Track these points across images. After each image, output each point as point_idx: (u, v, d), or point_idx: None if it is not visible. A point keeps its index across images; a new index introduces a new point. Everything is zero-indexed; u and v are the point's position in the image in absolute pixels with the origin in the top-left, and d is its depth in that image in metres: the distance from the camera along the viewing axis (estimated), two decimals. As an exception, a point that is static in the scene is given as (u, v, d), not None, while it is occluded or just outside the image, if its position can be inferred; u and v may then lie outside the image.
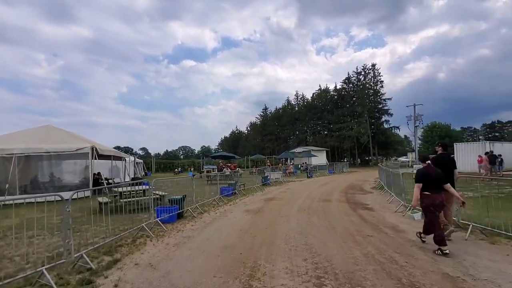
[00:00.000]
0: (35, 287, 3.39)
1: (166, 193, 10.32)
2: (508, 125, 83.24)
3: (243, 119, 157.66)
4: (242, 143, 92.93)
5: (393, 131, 61.75)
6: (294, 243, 5.09)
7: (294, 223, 6.69)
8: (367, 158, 54.35)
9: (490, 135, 79.31)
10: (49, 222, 5.69)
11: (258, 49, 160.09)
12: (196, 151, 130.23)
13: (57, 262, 3.78)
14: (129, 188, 9.41)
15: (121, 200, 8.09)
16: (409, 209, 7.27)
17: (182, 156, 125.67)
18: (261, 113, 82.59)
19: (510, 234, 4.76)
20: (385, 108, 51.79)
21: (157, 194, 9.37)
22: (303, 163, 34.78)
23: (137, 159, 29.53)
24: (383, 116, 52.80)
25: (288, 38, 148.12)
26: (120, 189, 9.38)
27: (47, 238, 5.44)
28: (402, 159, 53.43)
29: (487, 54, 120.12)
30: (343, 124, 51.72)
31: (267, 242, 5.18)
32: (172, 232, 6.07)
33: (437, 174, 4.57)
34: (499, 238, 4.90)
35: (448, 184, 4.64)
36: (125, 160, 19.68)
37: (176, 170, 37.80)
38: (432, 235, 4.46)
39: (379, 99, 51.60)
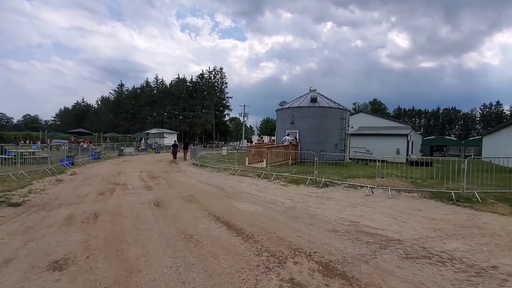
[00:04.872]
0: (42, 173, 10.40)
1: (51, 155, 15.99)
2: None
3: (88, 86, 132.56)
4: (90, 118, 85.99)
5: (244, 120, 79.03)
6: (136, 169, 13.79)
7: (137, 167, 15.29)
8: (210, 142, 67.95)
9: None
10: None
11: (109, 4, 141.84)
12: (15, 121, 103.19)
13: (44, 168, 10.77)
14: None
15: (25, 157, 13.81)
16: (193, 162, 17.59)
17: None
18: (116, 89, 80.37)
19: (211, 165, 15.45)
20: (227, 104, 66.85)
21: (44, 155, 15.27)
22: (155, 142, 42.27)
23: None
24: (225, 110, 67.71)
25: (148, 2, 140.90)
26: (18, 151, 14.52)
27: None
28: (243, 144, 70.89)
29: (314, 68, 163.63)
30: (194, 113, 62.39)
31: (125, 171, 13.62)
32: (76, 168, 13.26)
33: (176, 146, 15.32)
34: (211, 168, 15.58)
35: (180, 147, 15.55)
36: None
37: (22, 142, 35.46)
38: (177, 159, 14.68)
39: (223, 96, 65.80)
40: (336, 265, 3.34)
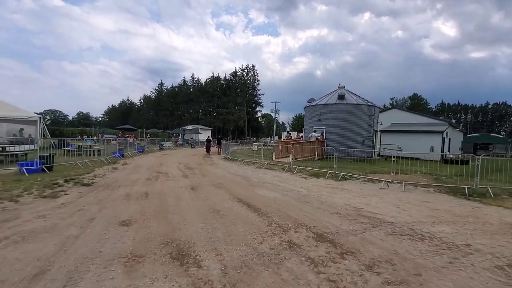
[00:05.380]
0: (100, 163, 12.45)
1: (103, 148, 18.52)
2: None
3: (131, 86, 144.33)
4: (134, 116, 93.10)
5: (275, 117, 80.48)
6: (175, 161, 15.51)
7: (176, 159, 17.08)
8: (242, 138, 69.91)
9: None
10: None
11: (150, 7, 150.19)
12: (70, 118, 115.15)
13: (102, 159, 12.85)
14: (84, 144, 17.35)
15: (85, 150, 16.28)
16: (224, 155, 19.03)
17: (49, 122, 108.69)
18: (157, 88, 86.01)
19: (240, 159, 16.71)
20: (259, 101, 68.08)
21: (100, 148, 17.71)
22: (191, 138, 45.07)
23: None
24: (257, 107, 69.06)
25: (185, 3, 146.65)
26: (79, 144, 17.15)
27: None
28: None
29: (350, 61, 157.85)
30: (228, 109, 64.68)
31: (165, 162, 15.41)
32: (126, 159, 15.35)
33: (209, 141, 16.51)
34: (241, 162, 16.87)
35: (213, 142, 16.84)
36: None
37: (79, 137, 40.35)
38: (210, 153, 16.09)
39: (255, 93, 67.15)
40: (328, 235, 4.21)
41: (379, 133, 22.91)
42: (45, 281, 2.69)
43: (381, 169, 12.92)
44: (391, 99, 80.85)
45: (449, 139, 22.95)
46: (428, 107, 72.01)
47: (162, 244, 3.66)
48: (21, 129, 19.74)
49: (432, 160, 16.11)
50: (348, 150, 13.92)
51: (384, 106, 69.44)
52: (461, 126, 30.87)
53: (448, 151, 22.36)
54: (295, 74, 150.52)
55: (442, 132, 21.04)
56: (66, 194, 6.32)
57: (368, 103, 19.57)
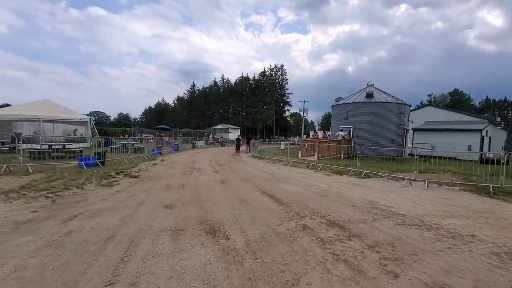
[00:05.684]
0: (142, 159, 13.95)
1: (143, 146, 20.37)
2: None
3: (166, 87, 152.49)
4: (169, 116, 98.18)
5: (303, 116, 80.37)
6: (206, 158, 16.68)
7: (207, 157, 18.28)
8: (271, 137, 70.54)
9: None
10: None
11: (182, 11, 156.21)
12: (112, 118, 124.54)
13: (143, 156, 14.36)
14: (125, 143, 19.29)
15: (128, 147, 18.11)
16: (251, 154, 19.88)
17: (94, 122, 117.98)
18: (189, 89, 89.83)
19: (267, 157, 17.44)
20: (288, 100, 68.18)
21: (141, 146, 19.52)
22: (221, 137, 46.78)
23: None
24: (285, 106, 69.24)
25: (216, 5, 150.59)
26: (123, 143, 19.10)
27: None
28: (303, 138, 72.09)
29: (384, 56, 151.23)
30: (256, 109, 65.73)
31: (198, 159, 16.64)
32: (163, 156, 16.85)
33: (239, 140, 17.34)
34: (267, 160, 17.62)
35: (243, 141, 17.57)
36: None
37: (126, 136, 44.02)
38: (239, 152, 16.95)
39: (284, 93, 67.40)
40: (340, 222, 4.75)
41: (410, 131, 22.22)
42: (115, 242, 3.64)
43: (409, 168, 12.81)
44: (429, 95, 76.08)
45: (489, 137, 21.55)
46: (471, 103, 66.55)
47: (198, 223, 4.50)
48: (75, 130, 22.41)
49: (472, 160, 15.43)
50: (375, 148, 13.96)
51: (421, 103, 65.68)
52: (502, 124, 28.47)
53: (488, 150, 21.02)
54: (325, 72, 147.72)
55: (480, 130, 19.88)
56: (119, 183, 7.53)
57: (398, 101, 19.15)
